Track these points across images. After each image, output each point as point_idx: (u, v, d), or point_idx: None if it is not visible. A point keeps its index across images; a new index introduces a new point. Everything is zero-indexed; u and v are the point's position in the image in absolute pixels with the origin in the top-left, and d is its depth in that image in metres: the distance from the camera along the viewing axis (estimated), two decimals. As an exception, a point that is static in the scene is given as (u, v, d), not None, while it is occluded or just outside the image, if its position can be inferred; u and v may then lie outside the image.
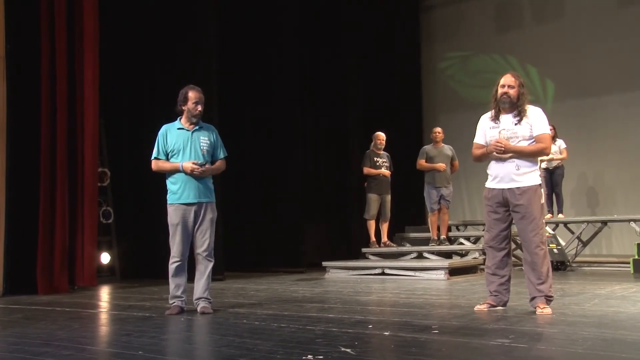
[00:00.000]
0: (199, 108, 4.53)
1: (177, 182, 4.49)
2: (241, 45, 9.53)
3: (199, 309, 4.47)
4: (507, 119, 4.21)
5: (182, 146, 4.51)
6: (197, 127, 4.59)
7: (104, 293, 6.55)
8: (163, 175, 4.62)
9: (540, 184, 4.21)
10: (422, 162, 8.17)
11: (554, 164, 8.77)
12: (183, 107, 4.55)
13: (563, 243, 8.41)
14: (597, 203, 10.09)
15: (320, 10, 10.40)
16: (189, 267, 4.57)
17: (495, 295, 4.29)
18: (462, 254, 8.37)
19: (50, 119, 6.44)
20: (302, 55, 9.85)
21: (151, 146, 4.62)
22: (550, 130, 4.61)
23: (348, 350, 2.95)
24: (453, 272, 7.25)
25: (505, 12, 11.15)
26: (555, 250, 8.00)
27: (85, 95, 6.81)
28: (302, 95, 9.85)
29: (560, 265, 8.14)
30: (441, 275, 7.13)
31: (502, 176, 4.18)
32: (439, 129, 8.33)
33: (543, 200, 5.18)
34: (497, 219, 4.23)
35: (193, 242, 4.53)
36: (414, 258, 7.99)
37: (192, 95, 4.53)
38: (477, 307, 4.31)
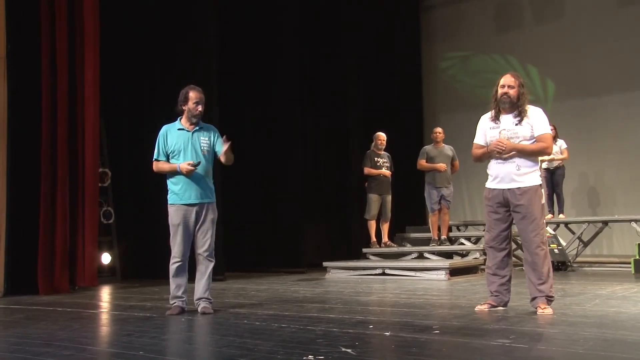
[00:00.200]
0: (200, 108, 4.53)
1: (178, 182, 4.49)
2: (241, 45, 9.53)
3: (199, 309, 4.47)
4: (507, 119, 4.21)
5: (182, 147, 4.51)
6: (197, 128, 4.59)
7: (105, 293, 6.55)
8: (164, 175, 4.62)
9: (540, 184, 4.21)
10: (422, 162, 8.16)
11: (555, 164, 8.77)
12: (183, 107, 4.55)
13: (564, 243, 8.40)
14: (598, 203, 10.09)
15: (320, 10, 10.40)
16: (190, 268, 4.58)
17: (496, 296, 4.29)
18: (463, 254, 8.36)
19: (51, 119, 6.44)
20: (302, 55, 9.84)
21: (152, 146, 4.62)
22: (551, 130, 4.61)
23: (349, 350, 2.95)
24: (454, 272, 7.25)
25: (505, 12, 11.15)
26: (556, 251, 7.99)
27: (86, 95, 6.81)
28: (302, 95, 9.85)
29: (561, 266, 8.14)
30: (442, 275, 7.12)
31: (503, 176, 4.18)
32: (439, 129, 8.32)
33: (544, 201, 5.17)
34: (497, 219, 4.23)
35: (194, 242, 4.53)
36: (415, 258, 7.99)
37: (192, 95, 4.52)
38: (478, 308, 4.31)
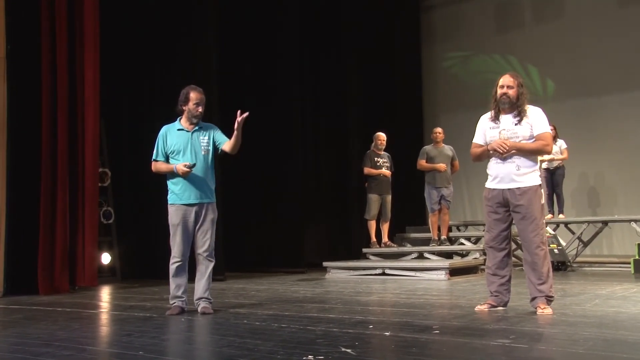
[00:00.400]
0: (200, 109, 4.53)
1: (178, 182, 4.49)
2: (241, 45, 9.53)
3: (199, 309, 4.47)
4: (507, 119, 4.21)
5: (182, 147, 4.51)
6: (196, 128, 4.59)
7: (105, 293, 6.55)
8: (164, 175, 4.63)
9: (540, 184, 4.21)
10: (422, 163, 8.17)
11: (555, 164, 8.77)
12: (184, 107, 4.55)
13: (564, 243, 8.40)
14: (598, 203, 10.09)
15: (320, 10, 10.40)
16: (190, 268, 4.58)
17: (496, 296, 4.29)
18: (463, 254, 8.37)
19: (51, 120, 6.44)
20: (302, 55, 9.85)
21: (151, 146, 4.62)
22: (551, 130, 4.61)
23: (349, 350, 2.95)
24: (454, 272, 7.25)
25: (505, 12, 11.15)
26: (555, 251, 7.99)
27: (86, 95, 6.81)
28: (303, 95, 9.85)
29: (561, 266, 8.14)
30: (442, 275, 7.13)
31: (503, 176, 4.18)
32: (439, 129, 8.33)
33: (543, 201, 5.18)
34: (497, 219, 4.23)
35: (194, 242, 4.53)
36: (415, 258, 7.99)
37: (193, 95, 4.52)
38: (478, 308, 4.31)
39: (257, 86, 9.49)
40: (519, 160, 4.14)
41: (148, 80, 8.19)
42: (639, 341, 3.08)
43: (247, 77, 9.54)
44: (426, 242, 8.38)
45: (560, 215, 8.83)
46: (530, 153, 4.15)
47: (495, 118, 4.25)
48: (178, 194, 4.48)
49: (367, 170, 8.30)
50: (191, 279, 4.55)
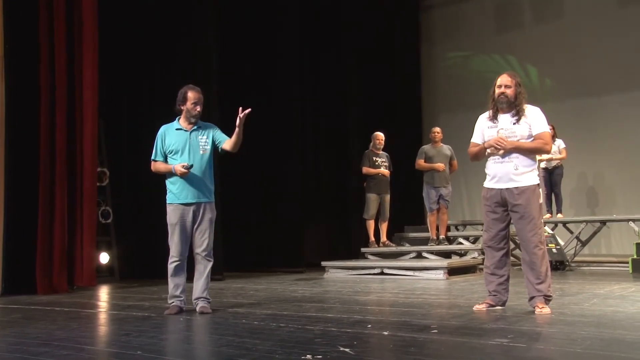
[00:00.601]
0: (198, 109, 4.53)
1: (176, 182, 4.50)
2: (241, 45, 9.53)
3: (198, 308, 4.47)
4: (505, 118, 4.21)
5: (180, 147, 4.51)
6: (195, 127, 4.59)
7: (103, 293, 6.55)
8: (162, 175, 4.63)
9: (538, 184, 4.22)
10: (420, 162, 8.17)
11: (553, 163, 8.78)
12: (182, 107, 4.55)
13: (562, 243, 8.41)
14: (597, 203, 10.10)
15: (320, 10, 10.41)
16: (189, 267, 4.58)
17: (494, 295, 4.29)
18: (461, 253, 8.37)
19: (49, 119, 6.43)
20: (302, 55, 9.85)
21: (150, 146, 4.62)
22: (550, 129, 4.61)
23: (347, 350, 2.95)
24: (452, 271, 7.26)
25: (505, 12, 11.16)
26: (554, 250, 8.00)
27: (84, 95, 6.80)
28: (302, 95, 9.85)
29: (559, 265, 8.15)
30: (440, 275, 7.13)
31: (501, 176, 4.18)
32: (437, 129, 8.33)
33: (542, 200, 5.18)
34: (495, 218, 4.24)
35: (192, 242, 4.53)
36: (413, 258, 8.00)
37: (191, 95, 4.53)
38: (476, 307, 4.31)
39: (257, 86, 9.49)
40: (517, 160, 4.14)
41: (147, 80, 8.18)
42: (636, 340, 3.08)
43: (247, 77, 9.54)
44: (425, 241, 8.39)
45: (559, 215, 8.84)
46: (530, 152, 4.16)
47: (494, 117, 4.25)
48: (176, 193, 4.49)
49: (366, 169, 8.31)
50: (190, 278, 4.55)
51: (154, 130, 4.68)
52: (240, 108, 4.45)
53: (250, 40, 9.50)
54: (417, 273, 7.35)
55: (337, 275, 7.90)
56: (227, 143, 4.56)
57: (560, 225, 8.90)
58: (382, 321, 4.07)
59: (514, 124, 4.16)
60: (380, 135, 8.39)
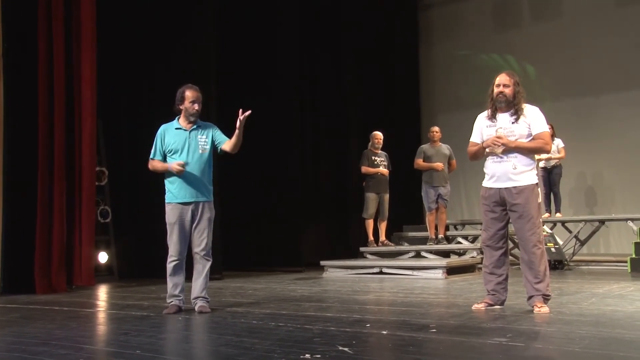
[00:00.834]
0: (196, 107, 4.53)
1: (174, 181, 4.50)
2: (241, 45, 9.52)
3: (196, 308, 4.47)
4: (503, 117, 4.21)
5: (179, 146, 4.51)
6: (194, 127, 4.59)
7: (102, 292, 6.55)
8: (161, 174, 4.63)
9: (537, 183, 4.22)
10: (419, 162, 8.17)
11: (552, 163, 8.79)
12: (180, 107, 4.56)
13: (561, 242, 8.42)
14: (595, 202, 10.11)
15: (320, 10, 10.41)
16: (188, 267, 4.57)
17: (493, 294, 4.29)
18: (460, 253, 8.38)
19: (48, 118, 6.43)
20: (302, 55, 9.85)
21: (149, 146, 4.62)
22: (549, 128, 4.61)
23: (346, 349, 2.96)
24: (451, 271, 7.27)
25: (503, 11, 11.16)
26: (552, 249, 8.01)
27: (83, 94, 6.80)
28: (302, 95, 9.85)
29: (558, 264, 8.15)
30: (439, 274, 7.13)
31: (500, 175, 4.18)
32: (436, 128, 8.33)
33: (540, 200, 5.18)
34: (494, 218, 4.24)
35: (191, 241, 4.53)
36: (412, 257, 8.00)
37: (189, 94, 4.53)
38: (475, 306, 4.31)
39: (256, 86, 9.48)
40: (516, 159, 4.14)
41: (147, 79, 8.17)
42: (635, 339, 3.09)
43: (247, 77, 9.53)
44: (423, 241, 8.39)
45: (558, 214, 8.84)
46: (530, 152, 4.16)
47: (492, 117, 4.25)
48: (174, 192, 4.49)
49: (365, 169, 8.31)
50: (189, 277, 4.55)
51: (153, 129, 4.68)
52: (240, 110, 4.45)
53: (249, 40, 9.49)
54: (415, 272, 7.35)
55: (336, 275, 7.90)
56: (226, 144, 4.57)
57: (558, 224, 8.91)
58: (381, 320, 4.07)
59: (513, 123, 4.17)
60: (378, 135, 8.39)
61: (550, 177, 8.85)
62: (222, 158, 5.61)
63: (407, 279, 7.11)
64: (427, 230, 8.39)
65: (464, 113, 9.75)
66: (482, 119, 4.36)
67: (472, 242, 8.72)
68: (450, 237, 8.80)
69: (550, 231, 8.43)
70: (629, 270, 7.53)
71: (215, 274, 6.39)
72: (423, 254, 8.01)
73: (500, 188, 4.18)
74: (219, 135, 4.63)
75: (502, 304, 4.30)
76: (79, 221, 6.73)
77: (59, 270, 6.36)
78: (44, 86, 6.41)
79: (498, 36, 11.12)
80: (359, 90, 10.66)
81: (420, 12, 12.09)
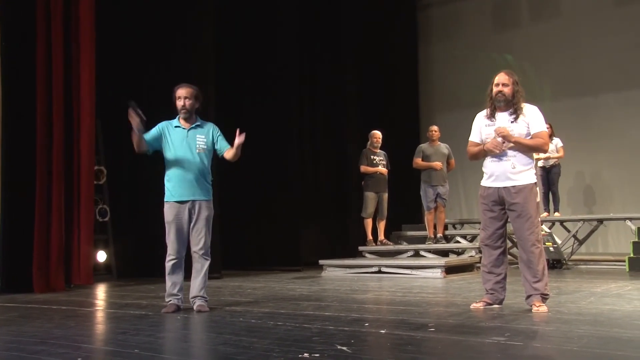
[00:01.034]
0: (182, 103, 4.53)
1: (171, 180, 4.50)
2: (240, 44, 9.52)
3: (195, 307, 4.47)
4: (502, 117, 4.21)
5: (177, 143, 4.51)
6: (193, 126, 4.58)
7: (100, 291, 6.54)
8: (160, 173, 4.62)
9: (535, 183, 4.22)
10: (418, 161, 8.18)
11: (551, 162, 8.80)
12: (176, 106, 4.58)
13: (559, 241, 8.43)
14: (594, 201, 10.12)
15: (320, 10, 10.40)
16: (187, 266, 4.57)
17: (492, 294, 4.30)
18: (459, 252, 8.39)
19: (47, 118, 6.42)
20: (302, 55, 9.85)
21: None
22: (547, 128, 4.62)
23: (344, 348, 2.96)
24: (449, 270, 7.27)
25: (502, 11, 11.17)
26: (551, 249, 8.02)
27: (82, 94, 6.79)
28: (301, 95, 9.85)
29: (556, 264, 8.16)
30: (438, 273, 7.14)
31: (498, 174, 4.18)
32: (435, 127, 8.34)
33: (539, 199, 5.18)
34: (492, 217, 4.24)
35: (189, 240, 4.53)
36: (411, 256, 8.01)
37: (177, 92, 4.57)
38: (473, 305, 4.32)
39: (256, 86, 9.49)
40: (514, 159, 4.14)
41: (146, 79, 8.14)
42: (633, 338, 3.09)
43: (247, 77, 9.53)
44: (422, 240, 8.40)
45: (556, 214, 8.85)
46: (528, 149, 4.16)
47: (491, 116, 4.25)
48: (171, 191, 4.49)
49: (364, 168, 8.31)
50: (187, 277, 4.55)
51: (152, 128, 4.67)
52: (238, 130, 4.46)
53: (249, 40, 9.48)
54: (414, 271, 7.35)
55: (335, 274, 7.90)
56: (227, 153, 4.60)
57: (557, 223, 8.92)
58: (380, 319, 4.08)
59: (512, 122, 4.16)
60: (377, 134, 8.39)
61: (549, 176, 8.86)
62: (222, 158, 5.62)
63: (405, 278, 7.11)
64: (425, 230, 8.40)
65: (463, 112, 9.73)
66: (481, 118, 4.36)
67: (471, 241, 8.72)
68: (449, 237, 8.81)
69: (548, 230, 8.44)
70: (627, 270, 7.54)
71: (214, 273, 6.39)
72: (422, 253, 8.02)
73: (498, 187, 4.18)
74: (221, 141, 4.63)
75: (500, 303, 4.31)
76: (78, 220, 6.72)
77: (57, 269, 6.35)
78: (42, 86, 6.40)
79: (497, 36, 11.13)
80: (359, 89, 10.66)
81: (419, 12, 12.10)
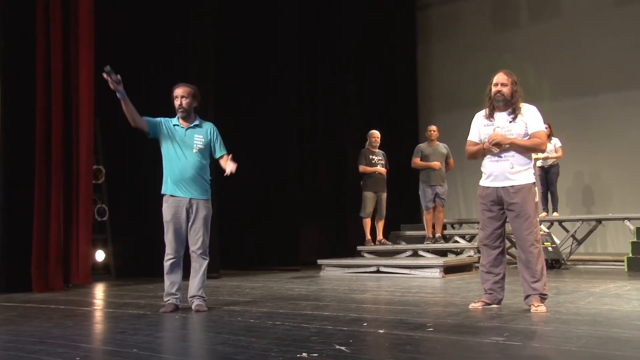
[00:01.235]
0: (179, 102, 4.52)
1: (168, 179, 4.50)
2: (240, 45, 9.51)
3: (193, 306, 4.46)
4: (501, 116, 4.21)
5: (175, 142, 4.51)
6: (192, 125, 4.58)
7: (99, 291, 6.54)
8: (159, 173, 4.61)
9: (534, 182, 4.22)
10: (416, 161, 8.18)
11: (549, 162, 8.80)
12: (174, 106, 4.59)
13: (558, 241, 8.43)
14: (593, 201, 10.13)
15: (319, 10, 10.41)
16: (186, 265, 4.57)
17: (490, 293, 4.30)
18: (457, 252, 8.39)
19: (45, 117, 6.42)
20: (302, 55, 9.85)
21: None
22: (546, 128, 4.62)
23: (343, 348, 2.95)
24: (448, 270, 7.27)
25: (501, 11, 11.18)
26: (549, 249, 8.02)
27: (81, 93, 6.78)
28: (301, 95, 9.85)
29: (555, 264, 8.17)
30: (436, 273, 7.14)
31: (497, 174, 4.18)
32: (433, 127, 8.34)
33: (537, 199, 5.18)
34: (491, 217, 4.24)
35: (187, 239, 4.53)
36: (409, 256, 8.01)
37: (175, 92, 4.58)
38: (472, 305, 4.32)
39: (255, 86, 9.48)
40: (513, 159, 4.14)
41: (145, 79, 8.14)
42: (632, 338, 3.09)
43: (246, 77, 9.52)
44: (421, 240, 8.40)
45: (555, 214, 8.86)
46: (525, 150, 4.16)
47: (490, 116, 4.25)
48: (169, 184, 4.48)
49: (363, 168, 8.31)
50: (186, 276, 4.54)
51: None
52: (230, 156, 4.52)
53: (249, 40, 9.48)
54: (413, 271, 7.35)
55: (334, 274, 7.90)
56: (221, 162, 4.61)
57: (556, 223, 8.93)
58: (378, 319, 4.08)
59: (510, 122, 4.17)
60: (376, 134, 8.39)
61: (548, 176, 8.86)
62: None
63: (404, 278, 7.11)
64: (424, 229, 8.40)
65: (462, 112, 9.73)
66: (479, 117, 4.36)
67: (470, 241, 8.73)
68: (448, 236, 8.81)
69: (547, 230, 8.45)
70: (626, 270, 7.55)
71: (212, 272, 6.39)
72: (420, 252, 8.02)
73: (497, 187, 4.18)
74: (218, 147, 4.62)
75: (499, 303, 4.31)
76: (76, 219, 6.72)
77: (55, 268, 6.35)
78: (41, 85, 6.40)
79: (496, 36, 11.13)
80: (358, 89, 10.66)
81: (418, 12, 12.10)
